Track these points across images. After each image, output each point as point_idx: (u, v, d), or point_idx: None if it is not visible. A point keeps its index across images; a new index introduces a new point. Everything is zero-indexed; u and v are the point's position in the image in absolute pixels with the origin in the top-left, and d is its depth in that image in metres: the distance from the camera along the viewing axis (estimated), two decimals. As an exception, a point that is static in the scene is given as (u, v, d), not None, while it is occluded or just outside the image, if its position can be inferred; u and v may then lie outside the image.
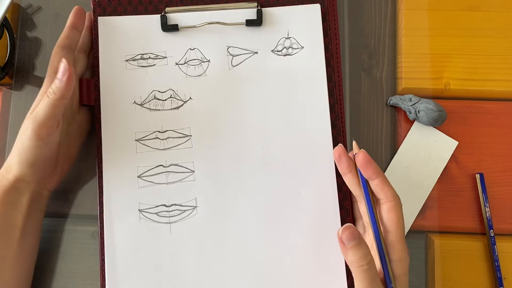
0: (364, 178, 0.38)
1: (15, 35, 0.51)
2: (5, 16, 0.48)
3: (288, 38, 0.47)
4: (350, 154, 0.40)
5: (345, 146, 0.46)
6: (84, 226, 0.47)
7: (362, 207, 0.40)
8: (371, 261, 0.35)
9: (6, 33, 0.50)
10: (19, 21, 0.52)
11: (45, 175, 0.43)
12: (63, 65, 0.39)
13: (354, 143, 0.40)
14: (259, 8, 0.46)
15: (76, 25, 0.45)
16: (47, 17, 0.52)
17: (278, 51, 0.46)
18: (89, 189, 0.45)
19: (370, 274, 0.34)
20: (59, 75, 0.39)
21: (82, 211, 0.47)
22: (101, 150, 0.44)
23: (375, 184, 0.38)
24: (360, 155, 0.38)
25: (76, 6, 0.45)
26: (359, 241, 0.35)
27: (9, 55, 0.50)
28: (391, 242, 0.36)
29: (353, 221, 0.44)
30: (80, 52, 0.46)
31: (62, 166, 0.44)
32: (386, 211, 0.37)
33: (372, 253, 0.36)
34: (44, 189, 0.43)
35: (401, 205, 0.37)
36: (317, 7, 0.47)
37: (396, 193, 0.38)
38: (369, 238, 0.39)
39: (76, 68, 0.45)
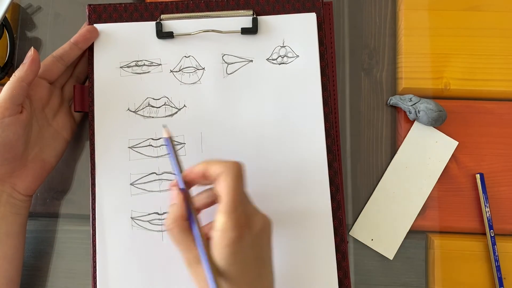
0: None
1: (15, 35, 0.51)
2: (5, 16, 0.48)
3: (284, 46, 0.46)
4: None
5: (338, 156, 0.46)
6: (83, 226, 0.47)
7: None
8: (175, 222, 0.36)
9: (6, 33, 0.50)
10: (19, 21, 0.52)
11: (8, 170, 0.42)
12: (30, 51, 0.41)
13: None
14: (254, 16, 0.46)
15: (78, 42, 0.45)
16: (47, 17, 0.52)
17: (273, 59, 0.46)
18: (89, 189, 0.45)
19: (174, 233, 0.36)
20: (24, 59, 0.41)
21: (82, 211, 0.47)
22: (94, 157, 0.44)
23: (205, 175, 0.36)
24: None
25: (89, 26, 0.45)
26: (177, 204, 0.36)
27: (9, 55, 0.50)
28: (218, 212, 0.35)
29: None
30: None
31: (34, 168, 0.43)
32: (218, 184, 0.35)
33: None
34: (14, 190, 0.43)
35: (233, 172, 0.35)
36: (312, 16, 0.47)
37: (226, 163, 0.35)
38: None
39: (59, 79, 0.46)
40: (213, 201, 0.38)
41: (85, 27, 0.46)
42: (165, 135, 0.40)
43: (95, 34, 0.46)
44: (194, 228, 0.36)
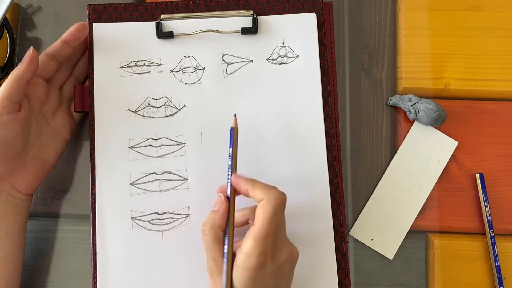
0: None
1: (15, 35, 0.51)
2: (5, 16, 0.48)
3: (284, 46, 0.46)
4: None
5: (338, 156, 0.46)
6: (83, 226, 0.47)
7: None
8: (211, 229, 0.37)
9: (6, 33, 0.50)
10: (19, 21, 0.52)
11: (8, 169, 0.42)
12: (29, 51, 0.41)
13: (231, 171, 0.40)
14: (254, 16, 0.46)
15: (68, 41, 0.44)
16: (47, 17, 0.52)
17: (273, 59, 0.46)
18: (89, 189, 0.45)
19: (207, 239, 0.37)
20: (23, 59, 0.41)
21: (82, 211, 0.47)
22: (94, 157, 0.44)
23: (248, 194, 0.38)
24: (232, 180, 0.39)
25: (77, 23, 0.45)
26: (219, 212, 0.38)
27: (9, 55, 0.50)
28: (248, 235, 0.36)
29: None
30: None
31: (33, 167, 0.44)
32: (257, 209, 0.37)
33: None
34: (14, 189, 0.43)
35: (274, 202, 0.36)
36: (312, 16, 0.47)
37: (270, 191, 0.36)
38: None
39: (57, 78, 0.46)
40: (246, 220, 0.39)
41: (74, 25, 0.45)
42: (233, 124, 0.41)
43: (84, 32, 0.45)
44: (226, 245, 0.37)
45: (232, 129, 0.41)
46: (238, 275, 0.35)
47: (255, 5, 0.47)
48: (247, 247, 0.35)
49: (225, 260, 0.36)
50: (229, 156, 0.40)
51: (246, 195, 0.38)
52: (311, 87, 0.46)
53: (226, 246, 0.37)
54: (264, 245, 0.35)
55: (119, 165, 0.44)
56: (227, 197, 0.39)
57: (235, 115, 0.42)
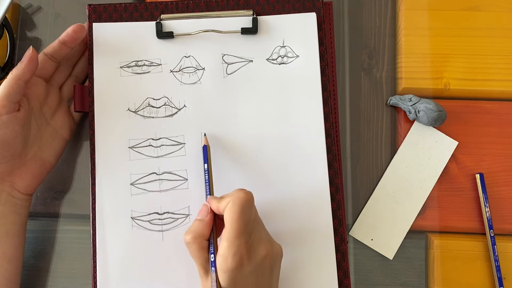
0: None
1: (15, 35, 0.51)
2: (5, 16, 0.48)
3: (284, 46, 0.46)
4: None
5: (338, 156, 0.46)
6: (83, 226, 0.47)
7: None
8: (195, 239, 0.38)
9: (6, 33, 0.50)
10: (19, 21, 0.52)
11: (8, 169, 0.42)
12: (28, 51, 0.41)
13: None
14: (254, 16, 0.46)
15: (66, 42, 0.44)
16: (47, 17, 0.52)
17: (273, 59, 0.46)
18: (89, 189, 0.45)
19: (193, 249, 0.38)
20: (23, 58, 0.41)
21: (82, 211, 0.47)
22: (94, 157, 0.44)
23: (219, 211, 0.38)
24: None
25: (75, 24, 0.44)
26: (200, 220, 0.39)
27: (9, 55, 0.50)
28: (222, 237, 0.37)
29: None
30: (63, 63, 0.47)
31: (33, 167, 0.44)
32: (224, 212, 0.37)
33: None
34: (13, 189, 0.43)
35: (239, 202, 0.36)
36: (312, 16, 0.47)
37: (233, 193, 0.37)
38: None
39: (57, 78, 0.46)
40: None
41: (71, 26, 0.45)
42: (204, 142, 0.43)
43: (81, 33, 0.45)
44: (212, 253, 0.38)
45: (204, 146, 0.43)
46: (219, 277, 0.36)
47: (255, 5, 0.47)
48: (222, 249, 0.36)
49: (213, 268, 0.37)
50: (205, 170, 0.42)
51: (218, 213, 0.38)
52: (311, 87, 0.46)
53: (212, 255, 0.37)
54: (237, 245, 0.35)
55: (119, 165, 0.44)
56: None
57: (205, 135, 0.44)
